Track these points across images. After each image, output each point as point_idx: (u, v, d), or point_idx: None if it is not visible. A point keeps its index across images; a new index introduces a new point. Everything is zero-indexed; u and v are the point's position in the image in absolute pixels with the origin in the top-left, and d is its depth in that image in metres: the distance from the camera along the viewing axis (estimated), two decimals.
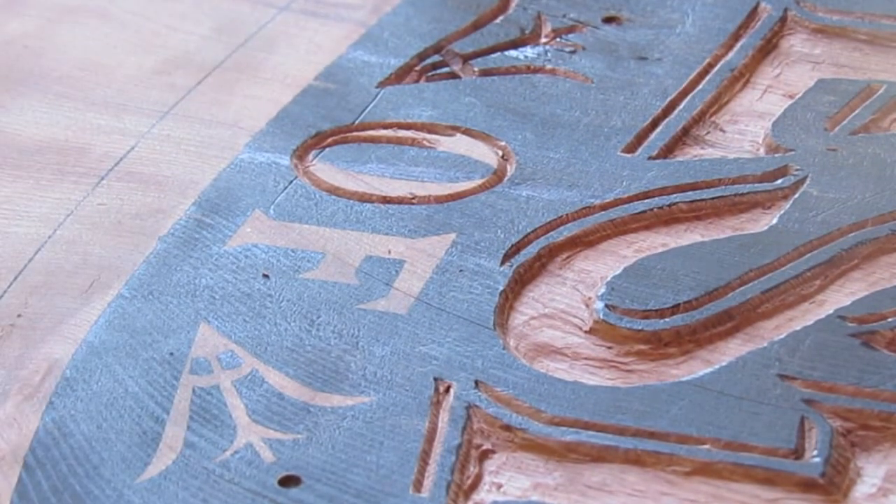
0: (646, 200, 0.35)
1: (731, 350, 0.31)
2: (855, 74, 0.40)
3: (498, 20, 0.44)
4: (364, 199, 0.36)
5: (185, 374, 0.31)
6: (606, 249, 0.34)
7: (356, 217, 0.36)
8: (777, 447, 0.28)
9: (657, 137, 0.38)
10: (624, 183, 0.36)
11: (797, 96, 0.39)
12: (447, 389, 0.30)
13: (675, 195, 0.35)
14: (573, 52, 0.41)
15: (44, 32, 0.46)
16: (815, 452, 0.28)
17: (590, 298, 0.33)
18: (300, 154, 0.38)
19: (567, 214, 0.35)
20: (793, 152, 0.37)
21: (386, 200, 0.36)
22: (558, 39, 0.43)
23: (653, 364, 0.31)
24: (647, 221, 0.35)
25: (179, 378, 0.31)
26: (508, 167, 0.37)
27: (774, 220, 0.34)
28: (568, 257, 0.34)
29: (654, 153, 0.37)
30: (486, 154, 0.38)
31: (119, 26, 0.46)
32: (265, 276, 0.34)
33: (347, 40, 0.44)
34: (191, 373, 0.31)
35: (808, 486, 0.27)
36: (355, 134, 0.39)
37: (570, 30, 0.43)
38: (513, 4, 0.45)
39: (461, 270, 0.33)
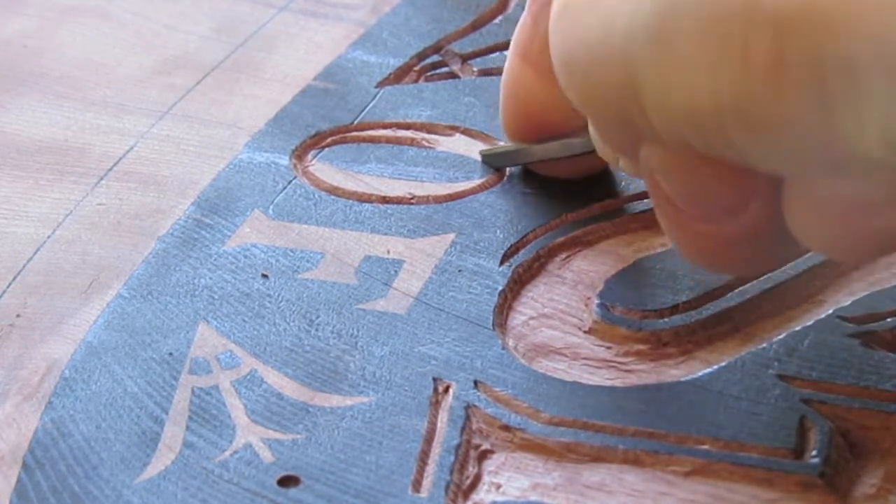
0: (646, 200, 0.35)
1: (731, 350, 0.31)
2: None
3: (497, 20, 0.44)
4: (363, 199, 0.36)
5: (185, 374, 0.31)
6: (606, 249, 0.34)
7: (355, 217, 0.36)
8: (776, 447, 0.28)
9: None
10: (623, 182, 0.36)
11: None
12: (446, 389, 0.30)
13: None
14: None
15: (43, 32, 0.46)
16: (814, 453, 0.28)
17: (589, 298, 0.33)
18: (299, 154, 0.38)
19: (566, 214, 0.35)
20: None
21: (385, 200, 0.36)
22: None
23: (652, 364, 0.31)
24: (646, 221, 0.35)
25: (178, 378, 0.31)
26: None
27: None
28: (567, 257, 0.34)
29: None
30: None
31: (119, 26, 0.46)
32: (264, 275, 0.34)
33: (347, 40, 0.44)
34: (190, 373, 0.31)
35: (807, 486, 0.27)
36: (354, 134, 0.39)
37: None
38: (512, 4, 0.45)
39: (460, 270, 0.33)
